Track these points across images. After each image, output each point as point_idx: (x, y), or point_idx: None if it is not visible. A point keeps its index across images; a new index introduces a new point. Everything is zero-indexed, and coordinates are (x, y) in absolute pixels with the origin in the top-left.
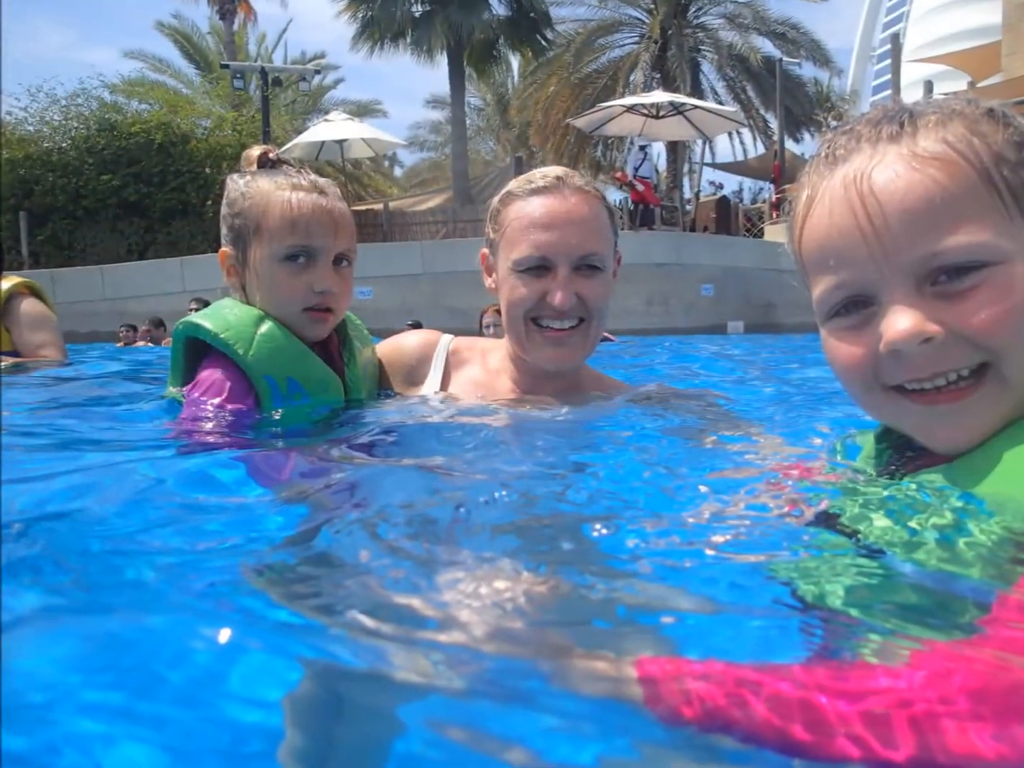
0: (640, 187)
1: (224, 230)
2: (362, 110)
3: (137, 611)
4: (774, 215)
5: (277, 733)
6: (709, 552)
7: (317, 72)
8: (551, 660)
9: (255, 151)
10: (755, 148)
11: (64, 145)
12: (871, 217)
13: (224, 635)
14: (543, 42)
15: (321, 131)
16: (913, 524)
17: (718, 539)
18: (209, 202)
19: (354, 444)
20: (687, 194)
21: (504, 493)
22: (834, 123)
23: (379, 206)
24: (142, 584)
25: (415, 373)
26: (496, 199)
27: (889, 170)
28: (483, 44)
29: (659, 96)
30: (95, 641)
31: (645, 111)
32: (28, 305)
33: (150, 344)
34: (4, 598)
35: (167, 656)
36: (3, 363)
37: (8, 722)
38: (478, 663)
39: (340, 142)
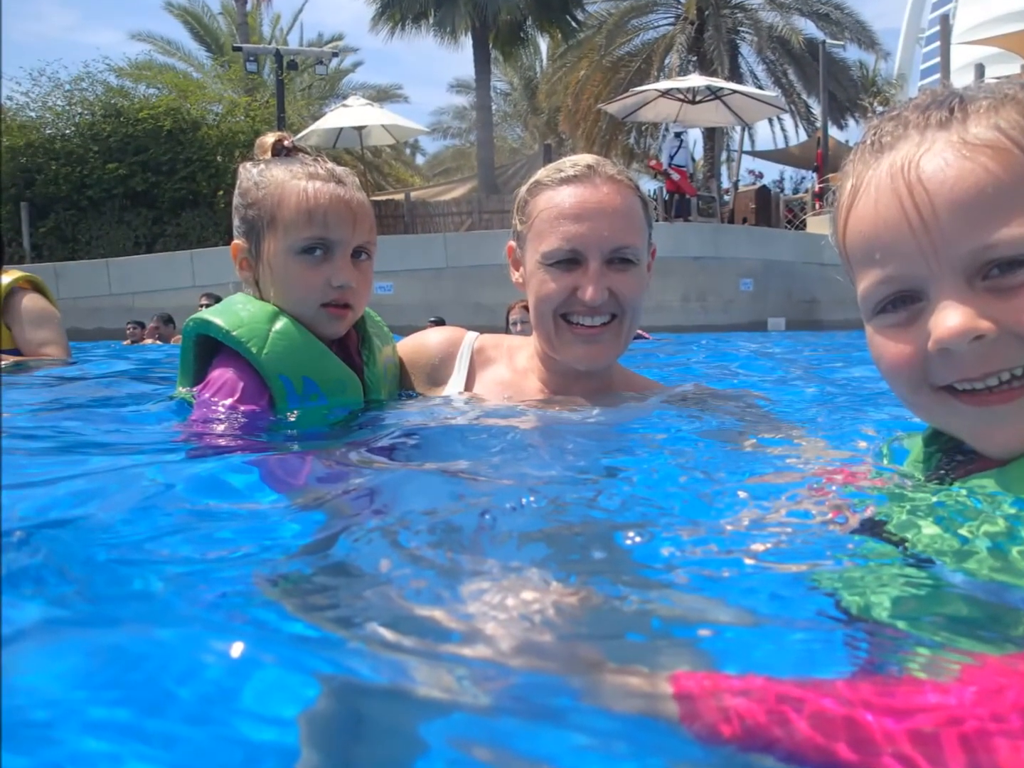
0: (675, 176)
1: (236, 221)
2: (382, 95)
3: (145, 623)
4: (817, 206)
5: (292, 752)
6: (748, 561)
7: (334, 55)
8: (582, 675)
9: (269, 138)
10: (797, 135)
11: (68, 132)
12: (919, 208)
13: (237, 649)
14: (573, 23)
15: (339, 117)
16: (964, 532)
17: (758, 548)
18: (220, 192)
19: (374, 447)
20: (725, 184)
21: (532, 499)
22: (880, 108)
23: (400, 196)
24: (150, 595)
25: (438, 372)
26: (524, 189)
27: (938, 158)
28: (510, 25)
29: (695, 80)
30: (100, 655)
31: (681, 96)
32: (30, 301)
33: (158, 342)
34: (4, 609)
35: (176, 671)
36: (3, 362)
37: (10, 740)
38: (504, 678)
39: (359, 129)
